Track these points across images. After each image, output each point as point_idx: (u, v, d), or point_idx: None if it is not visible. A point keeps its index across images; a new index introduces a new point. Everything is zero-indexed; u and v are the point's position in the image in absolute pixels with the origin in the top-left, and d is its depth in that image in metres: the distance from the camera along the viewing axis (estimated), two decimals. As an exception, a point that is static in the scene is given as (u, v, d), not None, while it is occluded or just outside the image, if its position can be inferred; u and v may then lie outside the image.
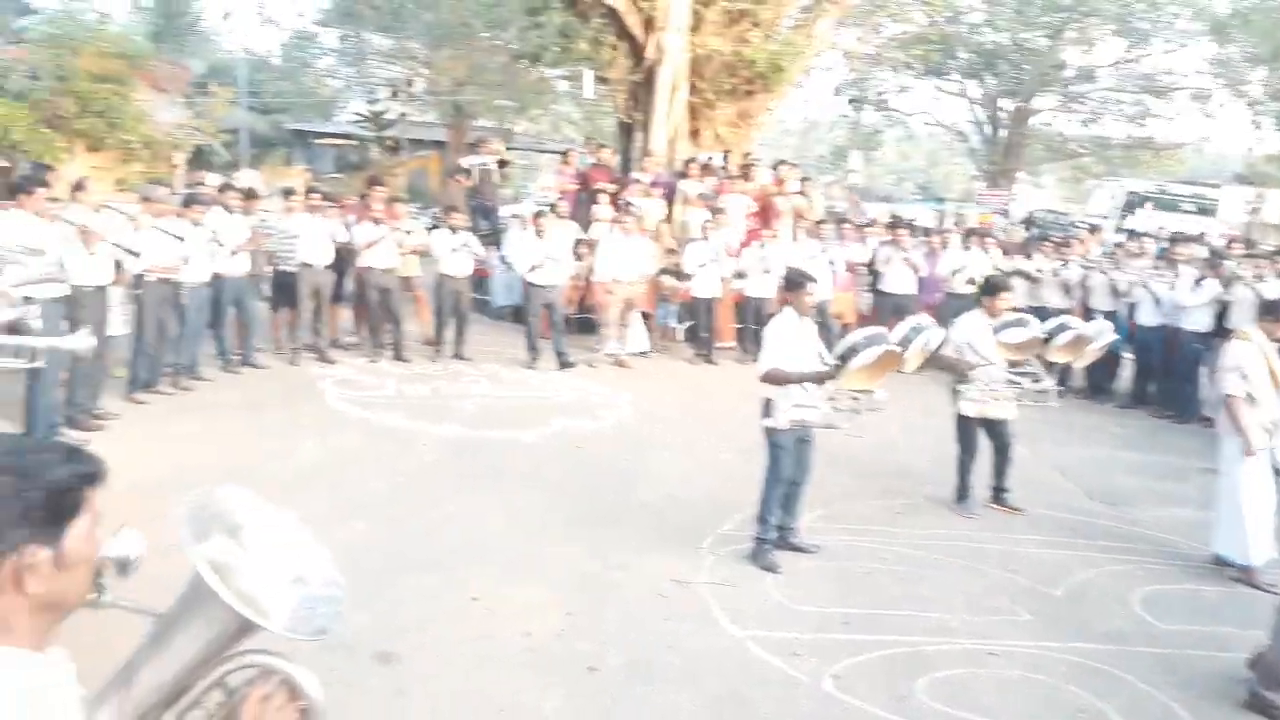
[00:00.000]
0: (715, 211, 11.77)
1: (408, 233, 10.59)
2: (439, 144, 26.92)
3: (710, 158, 13.59)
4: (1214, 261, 10.23)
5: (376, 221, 10.26)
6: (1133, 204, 20.38)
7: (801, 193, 13.09)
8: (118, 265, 7.57)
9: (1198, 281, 9.85)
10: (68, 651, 1.38)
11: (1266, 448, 5.62)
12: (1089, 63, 26.25)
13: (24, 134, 12.42)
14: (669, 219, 12.61)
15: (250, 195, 10.24)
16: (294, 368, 9.87)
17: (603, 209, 11.99)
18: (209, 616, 1.45)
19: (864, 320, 11.14)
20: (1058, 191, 38.82)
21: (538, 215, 11.14)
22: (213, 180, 12.35)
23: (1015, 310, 7.26)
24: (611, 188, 12.58)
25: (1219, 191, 21.14)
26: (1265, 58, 23.02)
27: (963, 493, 6.79)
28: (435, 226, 11.63)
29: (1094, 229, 15.30)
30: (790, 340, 5.56)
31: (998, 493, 6.86)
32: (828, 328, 10.11)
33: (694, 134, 14.26)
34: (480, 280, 12.72)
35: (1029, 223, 21.12)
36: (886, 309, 11.09)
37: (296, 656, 1.58)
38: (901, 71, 24.95)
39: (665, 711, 4.07)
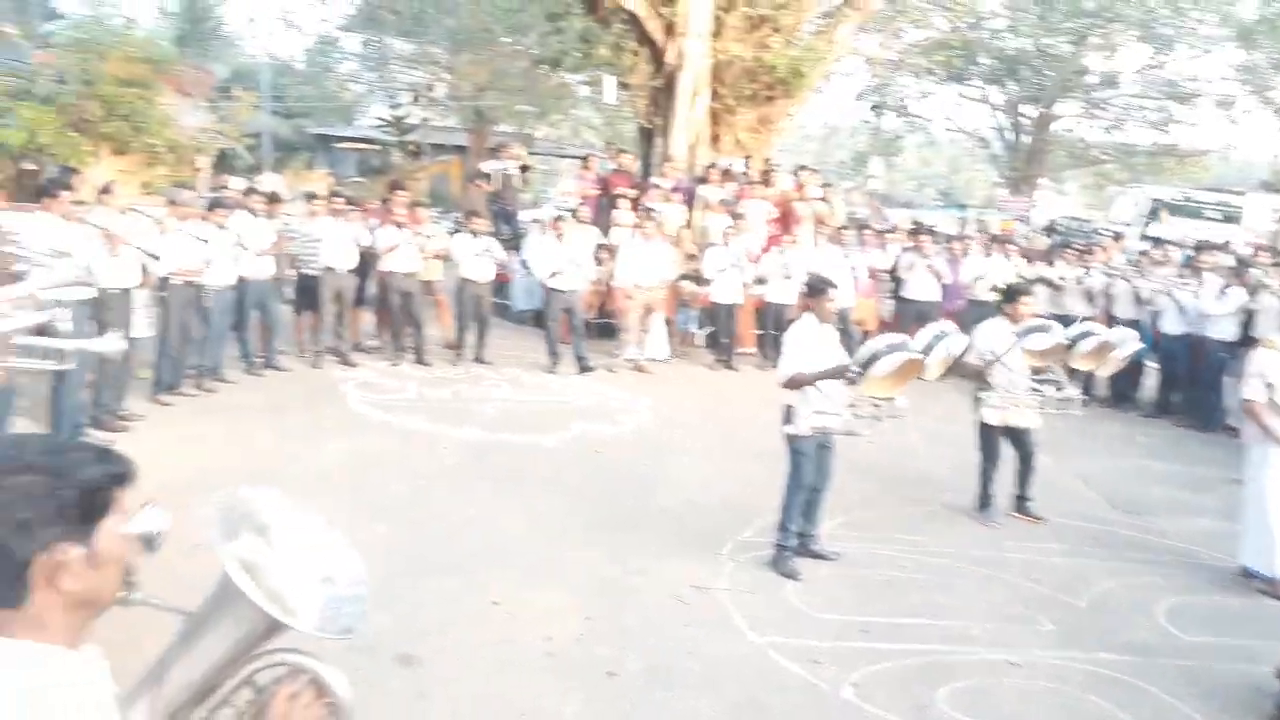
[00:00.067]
0: (736, 217, 11.77)
1: (429, 237, 10.63)
2: (460, 149, 27.03)
3: (731, 163, 13.59)
4: (1240, 270, 10.14)
5: (399, 226, 10.32)
6: (1156, 211, 20.23)
7: (822, 198, 13.07)
8: (143, 268, 7.64)
9: (1223, 290, 9.76)
10: (101, 649, 1.40)
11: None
12: (1112, 68, 26.08)
13: (51, 137, 12.53)
14: (689, 224, 12.60)
15: (274, 199, 10.31)
16: (316, 370, 9.93)
17: (623, 214, 12.00)
18: (238, 615, 1.46)
19: (885, 327, 11.09)
20: (1080, 198, 38.54)
21: (558, 220, 11.18)
22: (236, 184, 12.44)
23: (1038, 317, 7.22)
24: (632, 193, 12.60)
25: (1244, 199, 20.91)
26: (1292, 64, 22.85)
27: (984, 501, 6.75)
28: (457, 231, 11.67)
29: (1118, 236, 15.20)
30: (811, 346, 5.55)
31: (1020, 501, 6.82)
32: (849, 334, 10.09)
33: (714, 139, 14.24)
34: (501, 285, 12.76)
35: (1050, 229, 20.98)
36: (909, 316, 11.05)
37: (320, 657, 1.59)
38: (923, 77, 24.86)
39: (685, 717, 4.07)
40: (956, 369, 6.55)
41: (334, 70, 29.76)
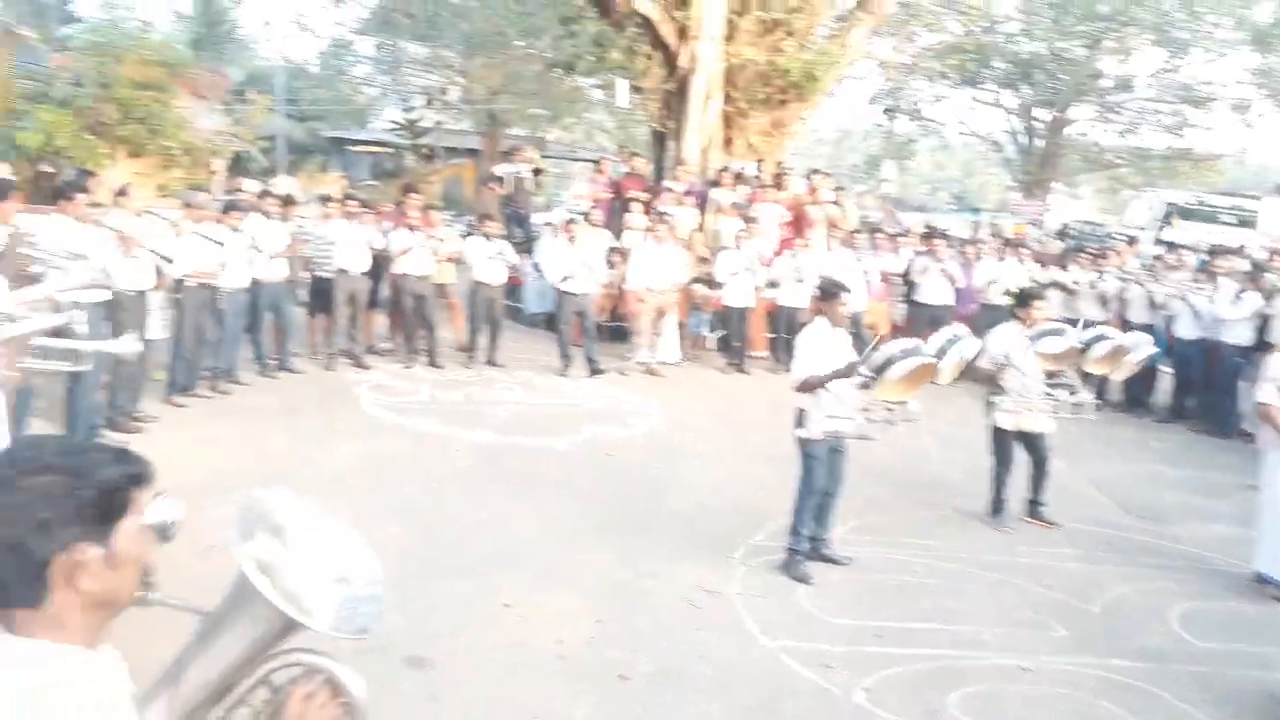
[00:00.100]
0: (748, 220, 11.77)
1: (442, 240, 10.67)
2: (473, 152, 27.12)
3: (743, 167, 13.59)
4: (1255, 274, 10.09)
5: (412, 229, 10.35)
6: (1170, 216, 20.12)
7: (835, 202, 13.05)
8: (157, 270, 7.68)
9: (1238, 294, 9.72)
10: (118, 650, 1.41)
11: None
12: (1127, 72, 25.97)
13: (68, 140, 12.64)
14: (701, 228, 12.61)
15: (288, 202, 10.35)
16: (330, 373, 9.97)
17: (636, 217, 12.02)
18: (255, 615, 1.47)
19: (898, 331, 11.07)
20: (1094, 202, 38.41)
21: (570, 223, 11.20)
22: (251, 187, 12.50)
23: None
24: (644, 196, 12.61)
25: (1260, 203, 20.78)
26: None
27: (997, 506, 6.73)
28: (470, 234, 11.70)
29: (1132, 240, 15.14)
30: (823, 350, 5.54)
31: (1034, 506, 6.80)
32: (861, 338, 10.07)
33: (727, 143, 14.25)
34: (513, 288, 12.78)
35: (1063, 233, 20.91)
36: (922, 320, 11.00)
37: (333, 658, 1.60)
38: (936, 81, 24.80)
39: (696, 721, 4.07)
40: (969, 373, 6.54)
41: (348, 74, 29.89)
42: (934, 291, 11.54)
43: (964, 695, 4.38)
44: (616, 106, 18.51)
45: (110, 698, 1.34)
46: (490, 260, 10.57)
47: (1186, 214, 19.77)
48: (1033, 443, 6.66)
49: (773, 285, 11.26)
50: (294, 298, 10.32)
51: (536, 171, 15.01)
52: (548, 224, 13.83)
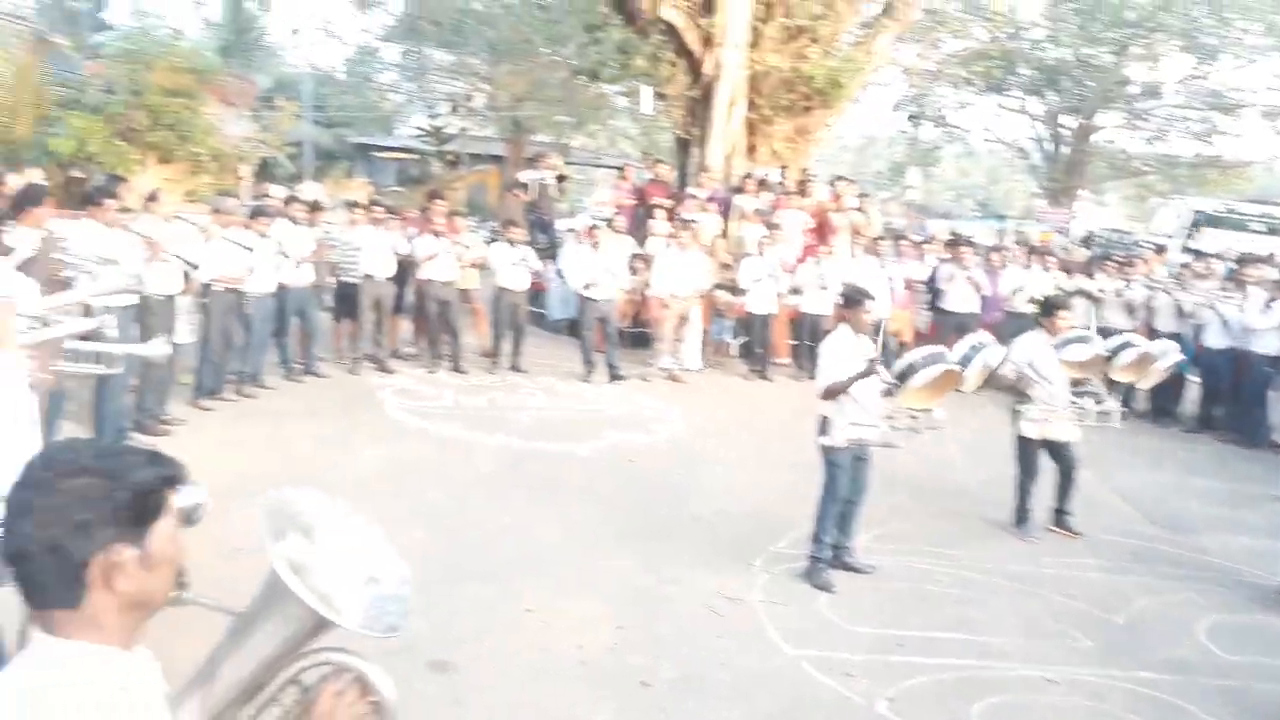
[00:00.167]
0: (771, 227, 11.77)
1: (467, 246, 10.73)
2: (498, 158, 27.24)
3: (767, 173, 13.58)
4: (1285, 283, 9.97)
5: (437, 235, 10.42)
6: (1198, 223, 19.92)
7: (859, 209, 13.02)
8: (185, 275, 7.77)
9: (1267, 303, 9.61)
10: (151, 651, 1.43)
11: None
12: (1155, 79, 25.74)
13: (99, 146, 12.79)
14: (725, 234, 12.62)
15: (315, 207, 10.45)
16: (354, 377, 10.04)
17: (659, 224, 12.04)
18: (287, 614, 1.49)
19: (922, 338, 11.03)
20: (1121, 210, 38.11)
21: (593, 229, 11.23)
22: (278, 192, 12.62)
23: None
24: (668, 203, 12.63)
25: (1290, 212, 20.53)
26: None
27: (1021, 515, 6.68)
28: (494, 240, 11.76)
29: (1160, 249, 14.99)
30: (847, 358, 5.53)
31: (1059, 515, 6.74)
32: (885, 345, 10.04)
33: (751, 150, 14.25)
34: (536, 293, 12.84)
35: (1088, 241, 20.75)
36: (948, 327, 10.95)
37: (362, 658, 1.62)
38: (961, 87, 24.70)
39: (717, 728, 4.07)
40: (992, 382, 6.50)
41: (374, 80, 30.11)
42: (959, 299, 11.49)
43: (987, 706, 4.35)
44: (641, 113, 18.53)
45: (144, 698, 1.35)
46: (514, 266, 10.62)
47: (1215, 222, 19.58)
48: (1059, 451, 6.62)
49: (796, 292, 11.25)
50: (320, 303, 10.41)
51: (560, 178, 15.07)
52: (571, 230, 13.88)
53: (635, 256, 11.73)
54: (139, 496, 1.35)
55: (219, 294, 8.40)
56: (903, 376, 5.63)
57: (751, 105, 13.99)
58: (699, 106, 13.93)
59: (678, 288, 11.00)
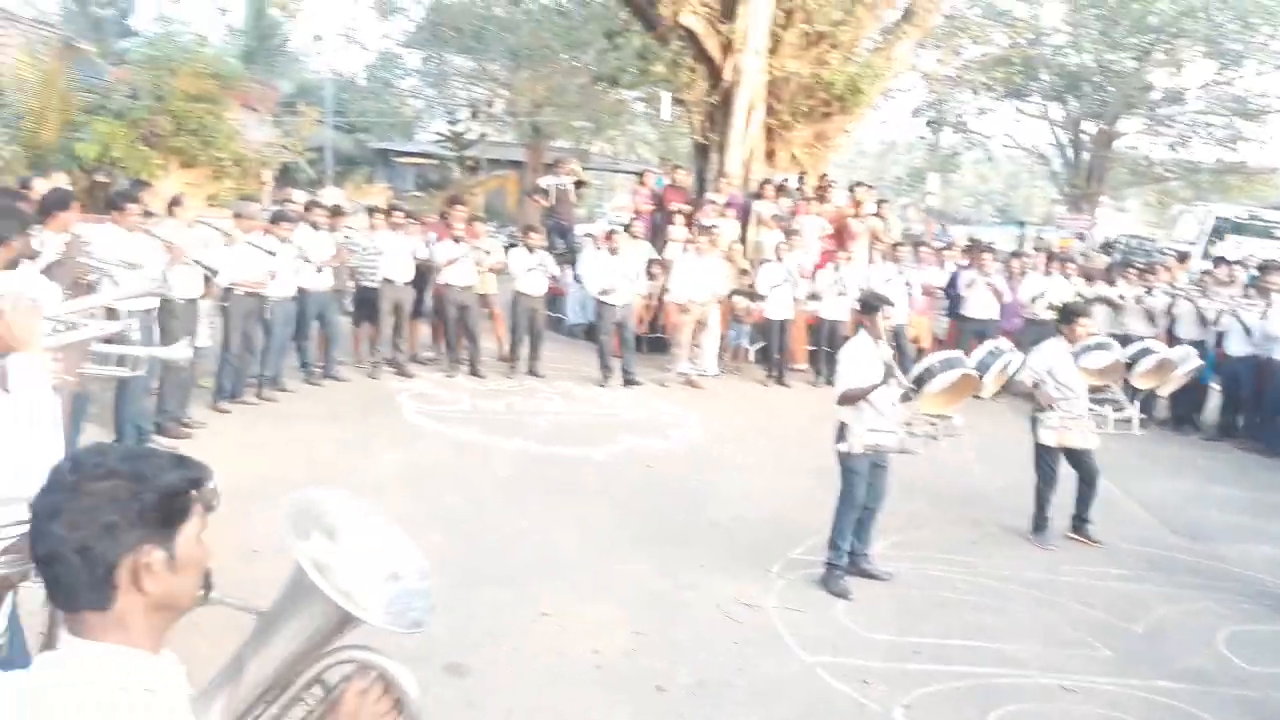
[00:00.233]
0: (790, 233, 11.77)
1: (486, 251, 10.78)
2: (517, 164, 27.37)
3: (786, 179, 13.59)
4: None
5: (456, 240, 10.48)
6: (1220, 230, 19.76)
7: (878, 215, 13.01)
8: (205, 279, 7.83)
9: (1291, 311, 9.54)
10: (176, 654, 1.45)
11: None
12: (1177, 85, 25.59)
13: (123, 151, 12.93)
14: (743, 240, 12.63)
15: (336, 212, 10.52)
16: (373, 381, 10.10)
17: (677, 229, 12.07)
18: (312, 611, 1.51)
19: (940, 345, 11.00)
20: (1142, 216, 37.86)
21: (610, 234, 11.26)
22: (299, 197, 12.71)
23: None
24: (686, 208, 12.66)
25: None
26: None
27: (1040, 523, 6.65)
28: (513, 245, 11.82)
29: (1183, 256, 14.90)
30: (866, 364, 5.53)
31: (1079, 522, 6.70)
32: (903, 351, 10.02)
33: (770, 155, 14.25)
34: (554, 298, 12.89)
35: (1109, 247, 20.62)
36: (967, 333, 10.91)
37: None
38: (982, 93, 24.62)
39: (733, 733, 4.07)
40: (1010, 388, 6.48)
41: (395, 86, 30.31)
42: (979, 305, 11.45)
43: (1004, 714, 4.34)
44: (659, 119, 18.60)
45: (169, 702, 1.36)
46: (532, 271, 10.66)
47: (1237, 228, 19.42)
48: (1079, 459, 6.58)
49: (814, 298, 11.25)
50: (340, 307, 10.48)
51: (579, 184, 15.11)
52: (589, 235, 13.92)
53: (653, 262, 11.75)
54: (166, 499, 1.38)
55: (240, 298, 8.47)
56: (920, 381, 5.62)
57: (771, 111, 14.00)
58: (718, 112, 13.95)
59: (695, 293, 11.02)
